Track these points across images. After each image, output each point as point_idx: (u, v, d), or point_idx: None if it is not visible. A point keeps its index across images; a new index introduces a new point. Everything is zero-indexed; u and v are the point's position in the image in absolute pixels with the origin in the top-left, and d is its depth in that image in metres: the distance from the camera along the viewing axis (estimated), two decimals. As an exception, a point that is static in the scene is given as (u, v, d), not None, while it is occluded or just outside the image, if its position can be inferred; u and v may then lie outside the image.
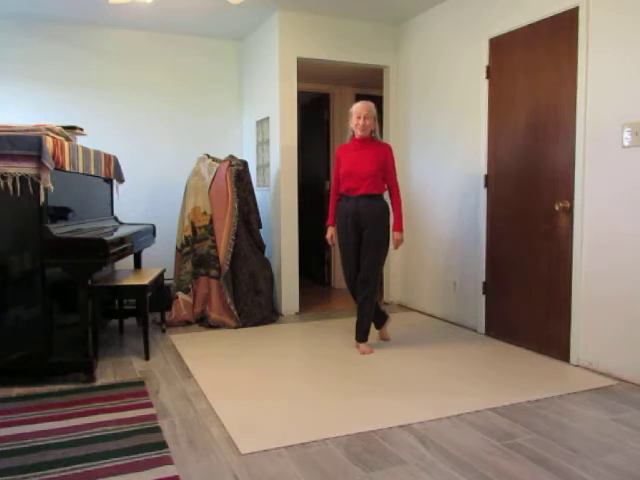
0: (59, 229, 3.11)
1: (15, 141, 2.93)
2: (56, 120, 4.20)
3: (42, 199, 2.97)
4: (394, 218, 3.70)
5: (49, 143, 2.99)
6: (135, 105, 5.12)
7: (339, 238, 3.72)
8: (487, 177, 4.05)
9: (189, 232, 4.53)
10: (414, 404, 2.77)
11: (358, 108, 3.58)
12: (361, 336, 3.68)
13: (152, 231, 4.51)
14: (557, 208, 3.47)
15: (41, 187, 2.95)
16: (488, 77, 4.00)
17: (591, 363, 3.30)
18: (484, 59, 4.01)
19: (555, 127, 3.49)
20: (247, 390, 2.99)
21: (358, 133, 3.60)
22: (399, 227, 3.70)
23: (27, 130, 3.03)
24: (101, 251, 3.05)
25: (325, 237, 3.83)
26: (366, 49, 4.91)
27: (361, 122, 3.55)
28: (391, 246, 3.73)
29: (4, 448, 2.29)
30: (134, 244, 3.74)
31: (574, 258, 3.37)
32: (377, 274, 3.63)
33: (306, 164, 6.59)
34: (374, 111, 3.61)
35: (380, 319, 3.87)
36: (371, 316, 3.70)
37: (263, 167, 5.08)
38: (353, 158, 3.61)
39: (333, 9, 4.57)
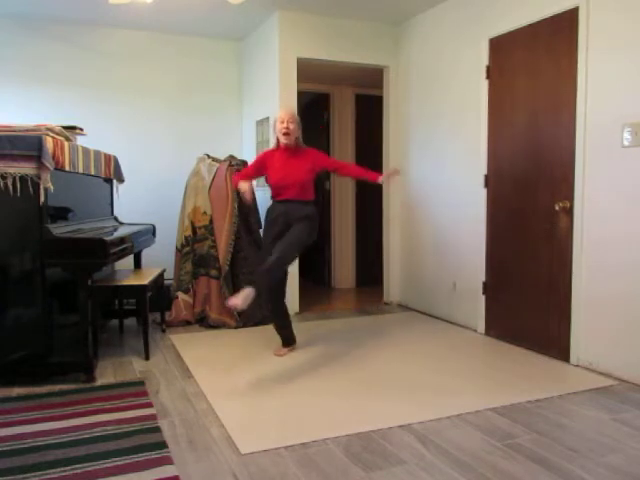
0: (59, 229, 3.11)
1: (15, 141, 2.92)
2: (56, 120, 4.19)
3: (42, 199, 2.96)
4: (364, 171, 3.60)
5: (49, 143, 2.99)
6: (135, 105, 5.12)
7: (267, 232, 3.58)
8: (487, 177, 4.04)
9: (189, 232, 4.53)
10: (414, 404, 2.77)
11: (281, 113, 3.50)
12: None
13: (152, 231, 4.51)
14: (557, 208, 3.47)
15: (41, 187, 2.95)
16: (488, 77, 4.00)
17: (591, 363, 3.30)
18: (484, 59, 4.01)
19: (555, 127, 3.49)
20: (247, 390, 2.99)
21: (282, 140, 3.45)
22: (375, 173, 3.54)
23: (27, 130, 3.03)
24: (101, 251, 3.05)
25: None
26: (366, 49, 4.91)
27: (284, 125, 3.41)
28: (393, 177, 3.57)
29: (4, 448, 2.29)
30: (134, 244, 3.74)
31: (574, 258, 3.37)
32: (291, 257, 3.43)
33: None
34: (297, 118, 3.51)
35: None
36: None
37: (263, 167, 5.08)
38: (281, 167, 3.47)
39: (333, 9, 4.57)
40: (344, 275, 6.25)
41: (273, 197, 3.59)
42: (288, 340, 3.70)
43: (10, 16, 4.64)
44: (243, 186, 3.49)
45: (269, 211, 3.61)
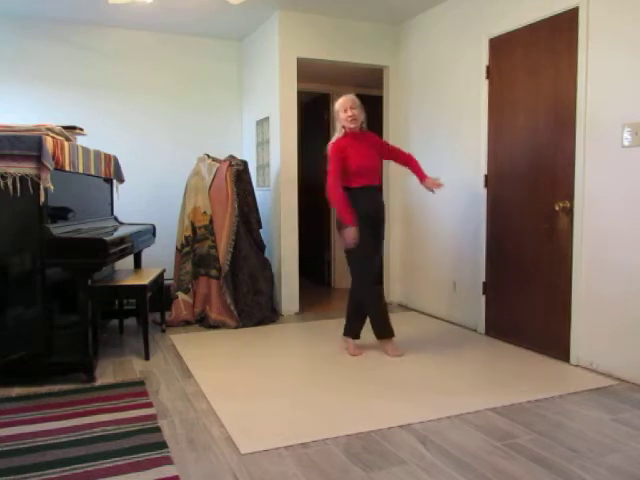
0: (59, 229, 3.11)
1: (15, 141, 2.92)
2: (56, 120, 4.19)
3: (42, 199, 2.96)
4: (419, 168, 3.64)
5: (49, 143, 2.99)
6: (135, 105, 5.12)
7: (361, 233, 3.38)
8: (487, 177, 4.04)
9: (189, 232, 4.53)
10: (414, 404, 2.77)
11: (342, 101, 3.53)
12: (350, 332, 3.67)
13: (152, 231, 4.51)
14: (557, 208, 3.47)
15: (41, 187, 2.95)
16: (488, 77, 4.00)
17: (591, 363, 3.30)
18: (484, 59, 4.01)
19: (555, 127, 3.48)
20: (247, 390, 2.99)
21: (350, 126, 3.49)
22: (424, 175, 3.61)
23: (27, 130, 3.03)
24: (101, 251, 3.05)
25: (345, 238, 3.39)
26: (366, 49, 4.90)
27: (350, 113, 3.46)
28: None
29: (4, 448, 2.29)
30: (134, 244, 3.74)
31: (574, 258, 3.37)
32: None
33: (306, 164, 6.58)
34: (358, 101, 3.55)
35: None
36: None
37: (263, 167, 5.08)
38: (359, 153, 3.50)
39: (333, 9, 4.57)
40: (344, 275, 6.23)
41: (352, 184, 3.45)
42: (390, 331, 3.59)
43: (10, 16, 4.64)
44: (352, 233, 3.35)
45: (355, 201, 3.41)
